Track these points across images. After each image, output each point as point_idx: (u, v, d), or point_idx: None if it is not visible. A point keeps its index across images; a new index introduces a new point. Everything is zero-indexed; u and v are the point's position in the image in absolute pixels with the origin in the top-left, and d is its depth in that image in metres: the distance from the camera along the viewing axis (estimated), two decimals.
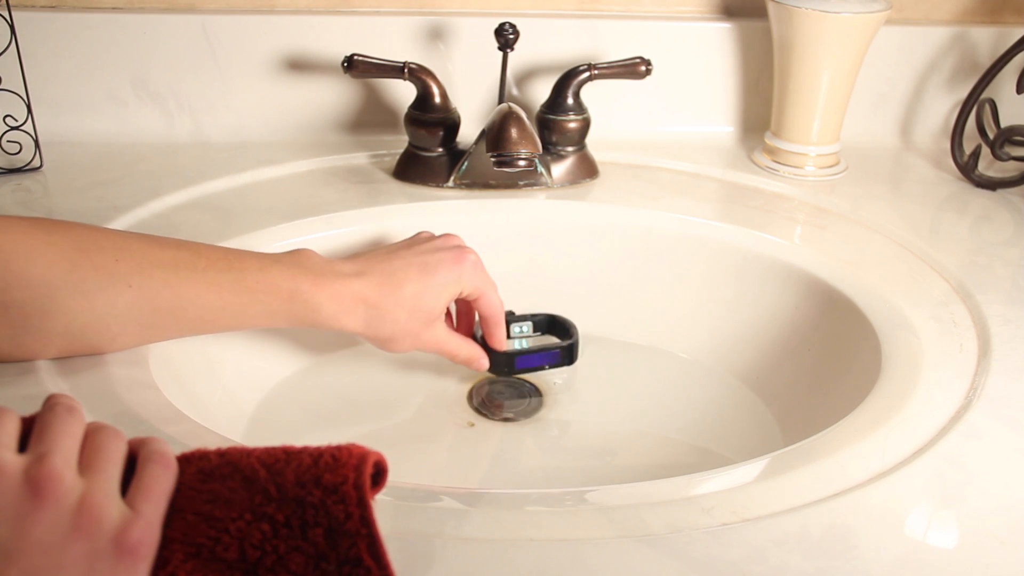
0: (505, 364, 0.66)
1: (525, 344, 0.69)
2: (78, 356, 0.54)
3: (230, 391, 0.65)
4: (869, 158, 0.89)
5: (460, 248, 0.61)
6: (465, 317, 0.67)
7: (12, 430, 0.36)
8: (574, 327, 0.69)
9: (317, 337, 0.72)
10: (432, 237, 0.62)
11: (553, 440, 0.66)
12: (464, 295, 0.61)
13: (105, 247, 0.51)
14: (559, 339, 0.69)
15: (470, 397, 0.69)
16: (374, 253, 0.60)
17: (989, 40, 0.90)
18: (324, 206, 0.74)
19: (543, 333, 0.70)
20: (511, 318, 0.69)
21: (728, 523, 0.44)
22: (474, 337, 0.67)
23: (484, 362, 0.65)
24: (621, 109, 0.88)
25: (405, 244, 0.61)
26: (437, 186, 0.78)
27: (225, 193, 0.76)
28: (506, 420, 0.67)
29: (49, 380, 0.52)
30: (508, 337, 0.68)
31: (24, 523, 0.33)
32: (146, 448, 0.38)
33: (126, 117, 0.83)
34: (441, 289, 0.59)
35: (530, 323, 0.70)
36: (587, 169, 0.81)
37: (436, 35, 0.84)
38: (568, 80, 0.79)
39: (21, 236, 0.50)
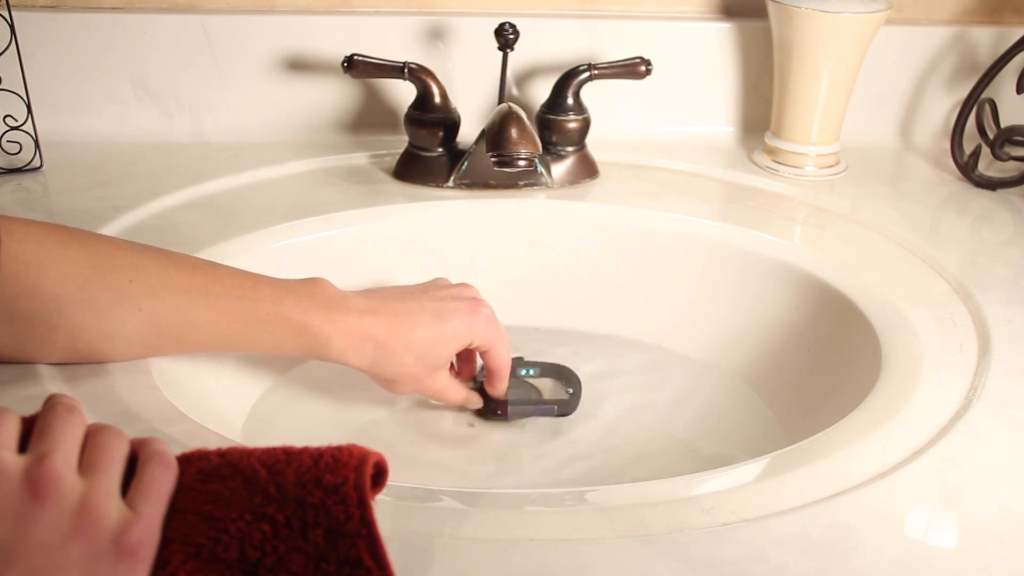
0: (498, 410, 0.66)
1: (525, 384, 0.70)
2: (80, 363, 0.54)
3: (230, 391, 0.65)
4: (869, 158, 0.89)
5: (475, 300, 0.60)
6: (467, 365, 0.67)
7: (12, 430, 0.36)
8: (578, 381, 0.69)
9: None
10: (449, 285, 0.62)
11: (553, 440, 0.66)
12: (473, 347, 0.61)
13: (120, 266, 0.51)
14: (563, 385, 0.69)
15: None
16: (389, 292, 0.60)
17: (989, 40, 0.90)
18: (324, 206, 0.74)
19: (549, 378, 0.71)
20: (518, 363, 0.70)
21: (728, 523, 0.44)
22: (475, 379, 0.67)
23: (479, 403, 0.66)
24: (621, 109, 0.88)
25: (421, 288, 0.61)
26: (437, 186, 0.78)
27: (225, 193, 0.76)
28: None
29: (50, 381, 0.52)
30: (512, 376, 0.69)
31: (24, 524, 0.33)
32: (146, 448, 0.38)
33: (126, 117, 0.83)
34: (451, 338, 0.58)
35: (537, 369, 0.71)
36: (587, 169, 0.81)
37: (436, 35, 0.84)
38: (568, 80, 0.79)
39: (36, 247, 0.49)
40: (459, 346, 0.60)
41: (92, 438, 0.37)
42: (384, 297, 0.58)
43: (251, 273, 0.56)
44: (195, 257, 0.56)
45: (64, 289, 0.49)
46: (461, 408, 0.66)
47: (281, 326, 0.54)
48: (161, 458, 0.37)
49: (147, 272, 0.52)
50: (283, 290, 0.55)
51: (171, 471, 0.37)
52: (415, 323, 0.57)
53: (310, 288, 0.56)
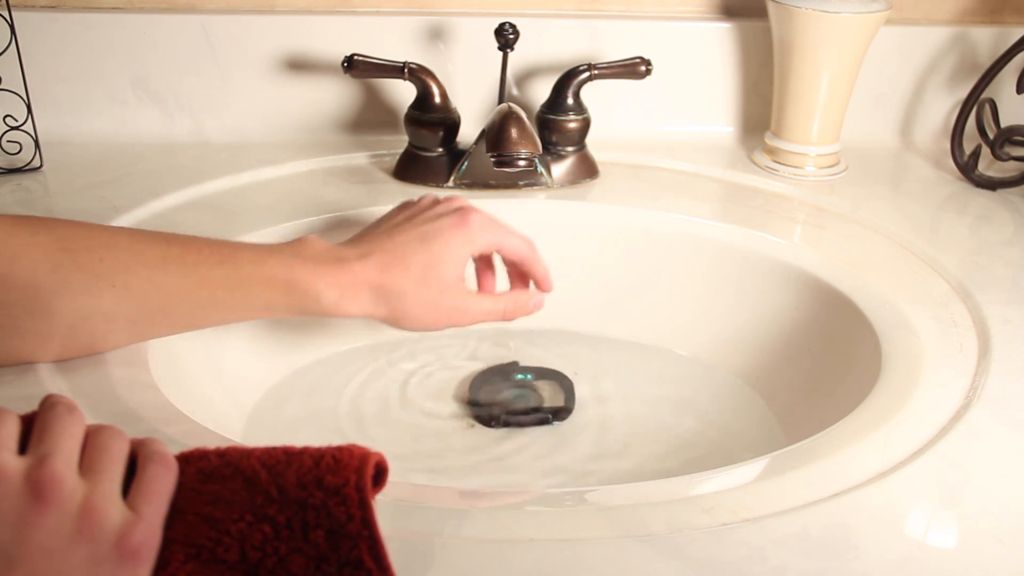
0: (492, 422, 0.66)
1: (522, 386, 0.70)
2: (74, 357, 0.53)
3: (230, 391, 0.65)
4: (869, 158, 0.89)
5: (462, 210, 0.58)
6: (488, 276, 0.64)
7: (12, 431, 0.35)
8: (571, 387, 0.69)
9: (317, 337, 0.72)
10: (434, 203, 0.60)
11: (553, 440, 0.66)
12: (480, 254, 0.59)
13: (90, 245, 0.51)
14: (557, 391, 0.70)
15: (471, 398, 0.69)
16: (375, 231, 0.58)
17: (989, 40, 0.90)
18: (324, 206, 0.74)
19: (543, 383, 0.71)
20: (513, 369, 0.71)
21: (728, 523, 0.44)
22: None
23: (531, 302, 0.61)
24: (621, 109, 0.88)
25: (406, 216, 0.59)
26: (437, 186, 0.78)
27: (225, 193, 0.76)
28: (507, 421, 0.67)
29: (49, 380, 0.52)
30: (511, 382, 0.70)
31: (26, 527, 0.33)
32: (145, 448, 0.37)
33: (126, 117, 0.83)
34: (447, 255, 0.56)
35: (532, 375, 0.71)
36: (587, 169, 0.81)
37: (436, 35, 0.84)
38: (568, 80, 0.79)
39: (5, 236, 0.49)
40: (459, 260, 0.57)
41: (92, 438, 0.37)
42: (372, 238, 0.57)
43: (231, 241, 0.55)
44: (172, 232, 0.55)
45: (37, 274, 0.49)
46: (502, 320, 0.61)
47: (267, 287, 0.53)
48: (161, 458, 0.37)
49: (118, 248, 0.51)
50: (265, 251, 0.54)
51: (171, 471, 0.37)
52: (405, 252, 0.56)
53: (295, 247, 0.55)
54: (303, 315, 0.55)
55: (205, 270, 0.52)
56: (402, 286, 0.55)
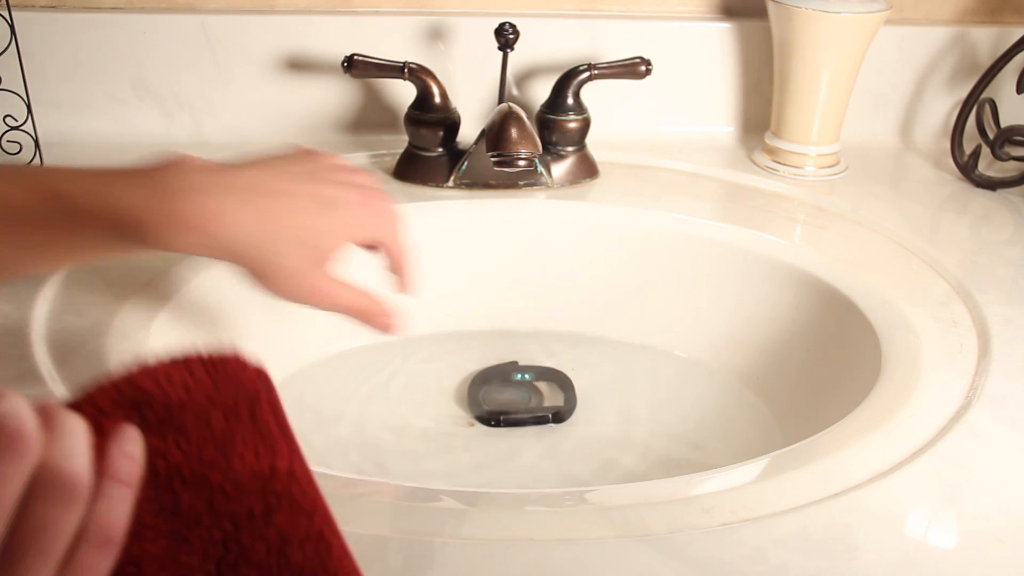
0: (493, 420, 0.67)
1: (523, 386, 0.70)
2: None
3: None
4: (869, 158, 0.89)
5: (370, 190, 0.51)
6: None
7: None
8: (572, 387, 0.69)
9: (317, 338, 0.72)
10: (336, 168, 0.52)
11: (553, 440, 0.66)
12: (363, 243, 0.52)
13: None
14: (558, 391, 0.70)
15: (471, 397, 0.69)
16: (262, 172, 0.49)
17: (989, 40, 0.90)
18: None
19: (543, 383, 0.71)
20: (513, 368, 0.70)
21: (728, 523, 0.44)
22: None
23: (386, 320, 0.52)
24: (621, 109, 0.88)
25: (308, 169, 0.51)
26: (437, 186, 0.78)
27: None
28: (507, 421, 0.67)
29: (49, 380, 0.52)
30: (511, 382, 0.70)
31: None
32: (86, 525, 0.31)
33: (126, 117, 0.83)
34: (338, 230, 0.50)
35: (532, 374, 0.71)
36: (587, 169, 0.81)
37: (436, 35, 0.84)
38: (568, 80, 0.79)
39: None
40: (344, 239, 0.50)
41: (28, 503, 0.30)
42: (260, 177, 0.49)
43: (73, 169, 0.46)
44: (13, 165, 0.49)
45: None
46: (355, 318, 0.52)
47: (101, 228, 0.45)
48: (96, 538, 0.31)
49: None
50: (108, 183, 0.45)
51: (110, 552, 0.31)
52: (293, 208, 0.48)
53: (156, 176, 0.46)
54: (152, 250, 0.46)
55: (26, 214, 0.44)
56: (277, 243, 0.48)
